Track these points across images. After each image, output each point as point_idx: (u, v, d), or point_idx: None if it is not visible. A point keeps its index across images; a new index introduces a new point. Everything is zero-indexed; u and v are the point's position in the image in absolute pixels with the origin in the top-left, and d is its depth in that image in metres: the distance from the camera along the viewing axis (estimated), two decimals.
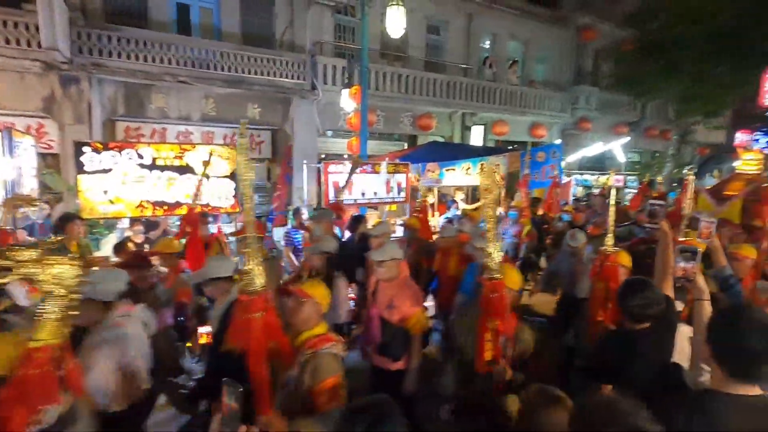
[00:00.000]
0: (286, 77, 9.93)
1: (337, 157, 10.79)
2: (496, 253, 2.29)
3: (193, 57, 8.78)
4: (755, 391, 1.41)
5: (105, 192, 4.78)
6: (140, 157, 4.90)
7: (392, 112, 11.93)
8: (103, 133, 8.53)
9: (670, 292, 2.52)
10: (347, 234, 6.32)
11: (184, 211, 5.25)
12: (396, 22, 6.72)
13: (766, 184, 5.41)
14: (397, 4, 6.58)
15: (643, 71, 11.59)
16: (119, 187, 4.81)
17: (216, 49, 9.08)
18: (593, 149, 12.58)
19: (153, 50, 8.36)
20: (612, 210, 2.96)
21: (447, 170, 8.18)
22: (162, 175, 5.00)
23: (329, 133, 11.63)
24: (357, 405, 1.33)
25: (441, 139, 13.22)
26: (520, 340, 2.43)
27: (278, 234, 7.00)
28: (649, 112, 17.24)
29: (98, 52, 7.94)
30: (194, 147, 5.22)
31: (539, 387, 1.68)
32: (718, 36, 10.10)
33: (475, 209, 7.21)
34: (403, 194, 6.67)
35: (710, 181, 16.84)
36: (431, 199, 8.25)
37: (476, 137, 13.45)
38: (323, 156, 11.76)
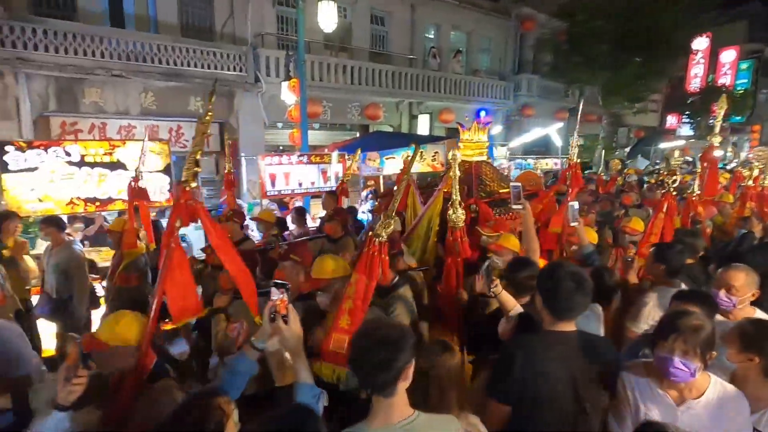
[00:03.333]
0: (228, 70, 9.91)
1: (290, 148, 10.92)
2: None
3: (127, 50, 8.62)
4: (571, 327, 1.84)
5: (32, 190, 4.81)
6: (68, 154, 4.93)
7: (339, 102, 12.14)
8: (35, 129, 8.28)
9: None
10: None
11: (117, 206, 5.36)
12: (328, 17, 6.95)
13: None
14: None
15: (571, 61, 12.41)
16: (47, 185, 4.83)
17: (152, 42, 8.94)
18: (532, 135, 13.34)
19: (83, 43, 8.14)
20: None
21: (387, 159, 8.55)
22: (92, 172, 5.06)
23: (279, 124, 11.72)
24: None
25: (389, 128, 13.61)
26: None
27: None
28: (586, 98, 18.32)
29: (23, 46, 7.66)
30: (125, 143, 5.30)
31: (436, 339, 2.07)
32: (629, 31, 11.06)
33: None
34: None
35: (642, 162, 18.22)
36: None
37: (423, 126, 13.92)
38: (280, 147, 11.87)
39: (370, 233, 2.27)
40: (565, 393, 1.73)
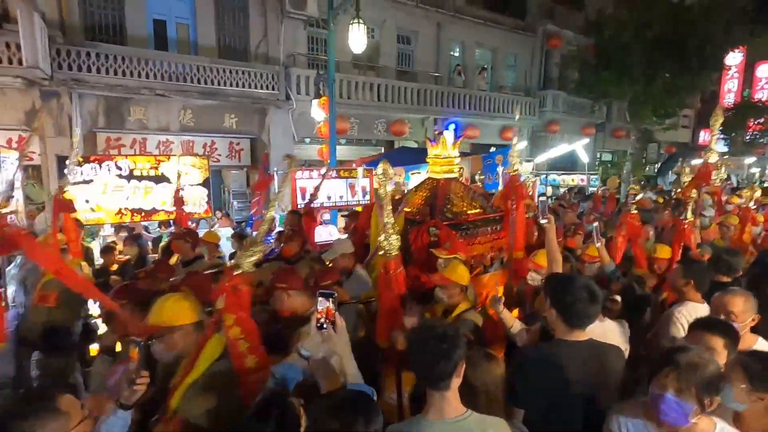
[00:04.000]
0: (261, 88, 10.40)
1: (317, 163, 11.28)
2: None
3: (169, 71, 9.20)
4: (584, 336, 1.94)
5: (87, 201, 5.22)
6: (119, 168, 5.34)
7: (366, 119, 12.48)
8: (84, 145, 8.88)
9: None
10: None
11: (160, 216, 5.71)
12: (358, 38, 7.27)
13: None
14: (358, 22, 7.12)
15: (599, 76, 12.38)
16: (100, 196, 5.25)
17: (192, 63, 9.52)
18: (558, 150, 13.30)
19: (130, 65, 8.76)
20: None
21: (412, 173, 8.74)
22: (139, 185, 5.46)
23: (307, 140, 12.13)
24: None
25: (414, 144, 13.83)
26: None
27: None
28: (615, 113, 18.13)
29: (78, 68, 8.31)
30: (168, 158, 5.68)
31: (478, 348, 2.16)
32: (660, 44, 10.98)
33: None
34: (367, 197, 7.19)
35: (671, 179, 17.76)
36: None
37: None
38: (305, 162, 12.26)
39: (230, 263, 1.96)
40: (576, 398, 1.82)
